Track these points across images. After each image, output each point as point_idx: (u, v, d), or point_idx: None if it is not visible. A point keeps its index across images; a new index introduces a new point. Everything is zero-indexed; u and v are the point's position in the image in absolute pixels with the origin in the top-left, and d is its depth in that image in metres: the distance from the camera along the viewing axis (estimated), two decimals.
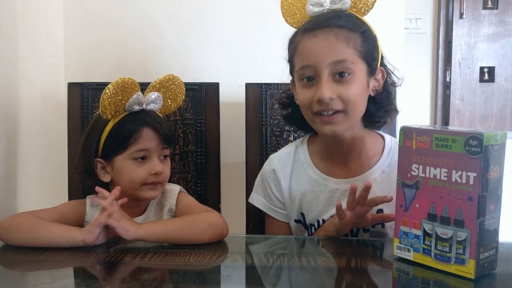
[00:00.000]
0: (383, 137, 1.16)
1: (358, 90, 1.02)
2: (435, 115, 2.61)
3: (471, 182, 0.80)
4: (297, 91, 1.07)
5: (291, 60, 1.09)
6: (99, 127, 1.11)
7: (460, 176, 0.81)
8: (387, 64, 1.12)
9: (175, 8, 1.67)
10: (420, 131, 0.86)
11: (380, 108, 1.10)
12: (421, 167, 0.86)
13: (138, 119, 1.09)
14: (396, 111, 1.16)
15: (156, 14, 1.67)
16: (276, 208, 1.18)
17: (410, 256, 0.89)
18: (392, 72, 1.13)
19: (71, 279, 0.88)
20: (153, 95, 1.13)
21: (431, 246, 0.86)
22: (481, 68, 2.58)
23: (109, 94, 1.05)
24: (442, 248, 0.84)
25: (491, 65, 2.57)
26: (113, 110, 1.08)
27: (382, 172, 1.10)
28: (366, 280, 0.86)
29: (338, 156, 1.12)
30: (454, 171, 0.82)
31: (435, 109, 2.59)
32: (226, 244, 1.03)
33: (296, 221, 1.17)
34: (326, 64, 1.00)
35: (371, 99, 1.08)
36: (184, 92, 1.20)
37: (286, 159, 1.18)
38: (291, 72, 1.11)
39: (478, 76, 2.58)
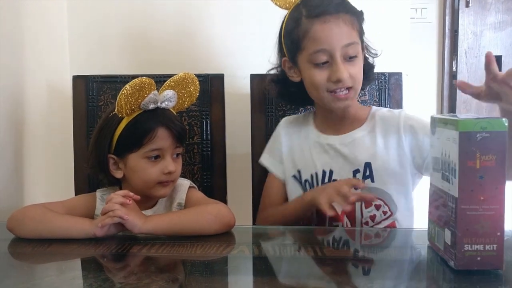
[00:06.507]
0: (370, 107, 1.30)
1: (361, 67, 1.17)
2: (441, 105, 2.58)
3: None
4: (308, 73, 1.16)
5: (297, 43, 1.16)
6: (113, 123, 1.11)
7: None
8: (364, 38, 1.22)
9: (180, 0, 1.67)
10: None
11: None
12: None
13: (153, 118, 1.09)
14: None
15: (160, 6, 1.67)
16: (275, 161, 1.30)
17: None
18: (368, 45, 1.24)
19: (78, 271, 0.88)
20: (169, 93, 1.13)
21: None
22: None
23: (126, 94, 1.05)
24: None
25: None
26: (129, 109, 1.08)
27: (368, 132, 1.22)
28: (371, 272, 0.86)
29: (334, 121, 1.25)
30: None
31: (442, 99, 2.57)
32: (232, 235, 1.03)
33: (294, 177, 1.26)
34: (339, 48, 1.11)
35: None
36: (198, 89, 1.19)
37: (293, 120, 1.33)
38: (294, 53, 1.18)
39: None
